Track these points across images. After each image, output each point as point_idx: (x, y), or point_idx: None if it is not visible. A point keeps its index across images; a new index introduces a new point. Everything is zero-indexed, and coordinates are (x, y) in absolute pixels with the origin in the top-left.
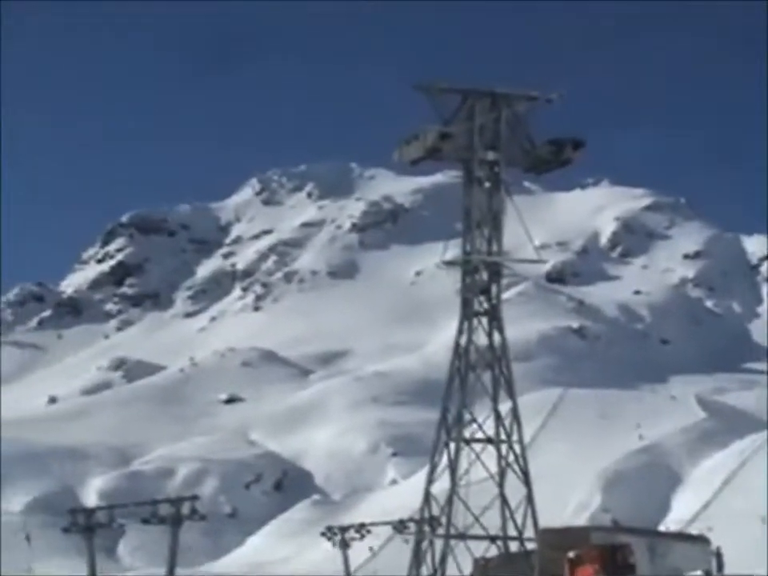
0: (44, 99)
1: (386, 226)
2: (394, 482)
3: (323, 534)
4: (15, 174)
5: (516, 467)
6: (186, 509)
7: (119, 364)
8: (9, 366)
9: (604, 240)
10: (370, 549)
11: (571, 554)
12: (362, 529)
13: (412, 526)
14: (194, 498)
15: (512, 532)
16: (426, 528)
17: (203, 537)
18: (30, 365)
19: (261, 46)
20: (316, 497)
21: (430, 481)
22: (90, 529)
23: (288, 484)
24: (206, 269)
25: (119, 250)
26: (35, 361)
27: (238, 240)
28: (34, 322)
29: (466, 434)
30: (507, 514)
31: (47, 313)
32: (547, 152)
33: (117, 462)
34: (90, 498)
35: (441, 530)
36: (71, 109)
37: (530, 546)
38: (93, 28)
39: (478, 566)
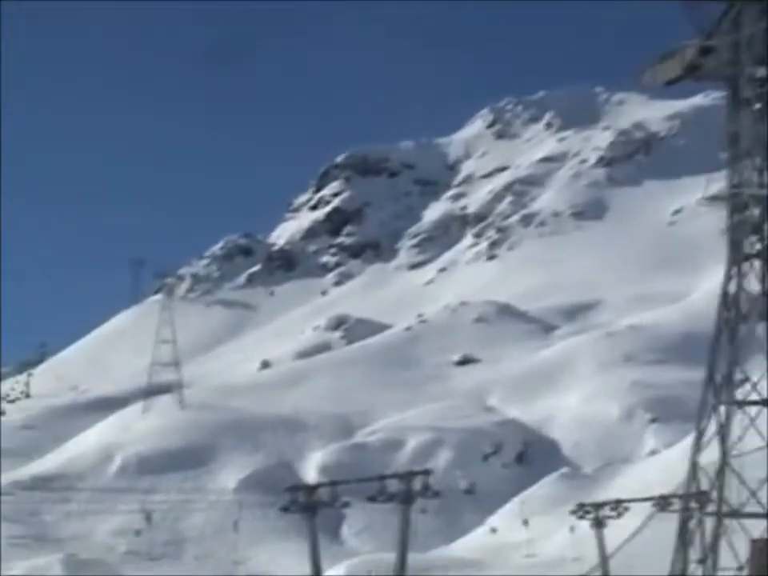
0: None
1: (638, 158)
2: (653, 452)
3: (573, 513)
4: (220, 118)
5: None
6: (417, 484)
7: (338, 323)
8: (216, 327)
9: None
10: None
11: None
12: (618, 506)
13: (676, 503)
14: (427, 472)
15: None
16: (693, 505)
17: (436, 516)
18: (238, 326)
19: None
20: (564, 470)
21: (697, 450)
22: (311, 508)
23: (531, 455)
24: (432, 213)
25: (335, 195)
26: (245, 321)
27: (468, 179)
28: (242, 278)
29: (738, 395)
30: None
31: (257, 268)
32: None
33: (338, 433)
34: (310, 473)
35: (710, 507)
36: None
37: None
38: None
39: (756, 548)
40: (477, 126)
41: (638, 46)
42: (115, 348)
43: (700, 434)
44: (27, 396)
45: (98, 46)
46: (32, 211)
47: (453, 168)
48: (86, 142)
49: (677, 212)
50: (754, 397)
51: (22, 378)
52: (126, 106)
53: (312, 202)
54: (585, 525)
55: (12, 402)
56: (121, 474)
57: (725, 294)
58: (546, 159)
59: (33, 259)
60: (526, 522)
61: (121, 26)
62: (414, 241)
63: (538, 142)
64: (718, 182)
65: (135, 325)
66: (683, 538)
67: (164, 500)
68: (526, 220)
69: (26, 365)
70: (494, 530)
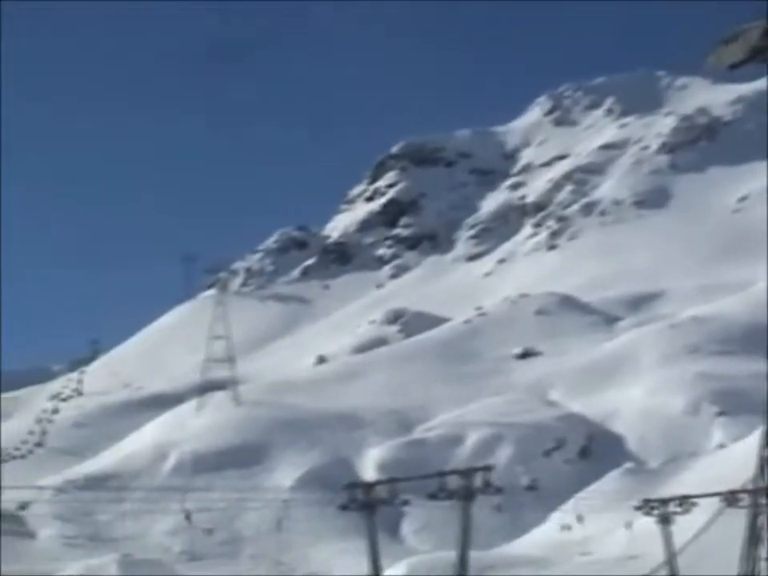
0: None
1: (702, 144)
2: (721, 446)
3: (639, 508)
4: (274, 110)
5: None
6: (477, 481)
7: (395, 317)
8: (271, 322)
9: None
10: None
11: None
12: (685, 502)
13: (745, 498)
14: (487, 468)
15: None
16: (763, 500)
17: (498, 513)
18: (293, 320)
19: None
20: (628, 465)
21: (766, 444)
22: (369, 506)
23: (595, 450)
24: (490, 203)
25: (390, 186)
26: (299, 316)
27: (526, 168)
28: (296, 271)
29: None
30: None
31: (311, 261)
32: None
33: (396, 429)
34: (368, 470)
35: None
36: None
37: None
38: None
39: None
40: (535, 113)
41: (700, 28)
42: (168, 344)
43: None
44: (80, 394)
45: (150, 40)
46: (83, 209)
47: (511, 157)
48: (138, 139)
49: (742, 199)
50: None
51: (75, 375)
52: (176, 100)
53: (367, 194)
54: (643, 521)
55: (65, 400)
56: (175, 472)
57: None
58: (607, 146)
59: (84, 256)
60: (580, 519)
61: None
62: (472, 232)
63: (598, 129)
64: None
65: (188, 321)
66: (752, 535)
67: (219, 498)
68: (587, 209)
69: (79, 362)
70: (565, 527)
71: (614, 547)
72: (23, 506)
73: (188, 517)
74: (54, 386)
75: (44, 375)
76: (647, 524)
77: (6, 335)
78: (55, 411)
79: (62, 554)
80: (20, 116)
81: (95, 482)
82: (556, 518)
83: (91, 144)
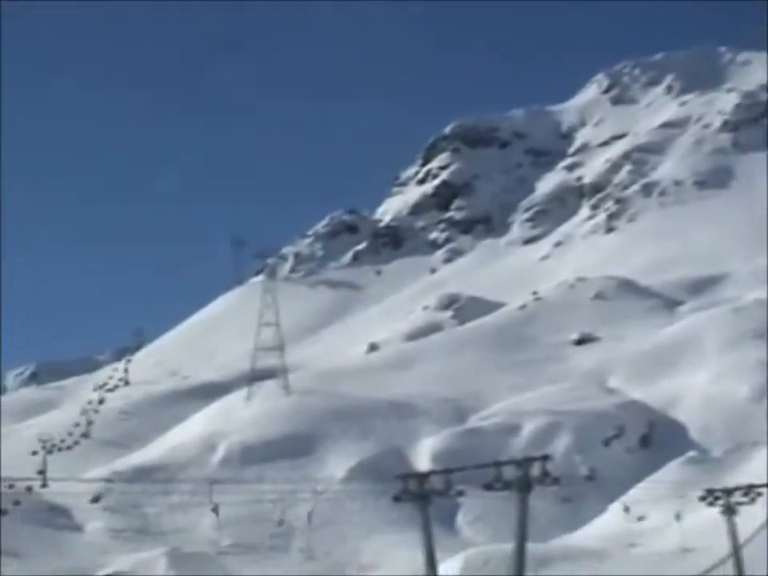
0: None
1: (765, 122)
2: None
3: (703, 499)
4: (323, 92)
5: None
6: (535, 471)
7: (449, 302)
8: (321, 308)
9: None
10: None
11: None
12: (750, 491)
13: None
14: (545, 458)
15: None
16: None
17: (556, 504)
18: (344, 307)
19: None
20: (691, 453)
21: None
22: (423, 497)
23: (656, 439)
24: (546, 185)
25: (443, 168)
26: (351, 302)
27: (583, 148)
28: (347, 256)
29: None
30: None
31: (362, 246)
32: None
33: (450, 417)
34: (422, 460)
35: None
36: None
37: None
38: None
39: None
40: (592, 91)
41: (762, 2)
42: (216, 332)
43: None
44: (127, 383)
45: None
46: (130, 195)
47: (567, 137)
48: (187, 123)
49: None
50: None
51: (120, 365)
52: (227, 83)
53: (419, 176)
54: (702, 513)
55: (111, 390)
56: (225, 463)
57: None
58: (667, 125)
59: (130, 243)
60: (627, 509)
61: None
62: (528, 214)
63: (657, 107)
64: None
65: (237, 307)
66: None
67: (270, 490)
68: (646, 190)
69: (124, 351)
70: (626, 509)
71: (676, 539)
72: (96, 497)
73: (215, 510)
74: (100, 375)
75: (89, 365)
76: (707, 515)
77: (51, 325)
78: (101, 402)
79: (110, 548)
80: (76, 101)
81: (142, 474)
82: (616, 508)
83: (139, 129)
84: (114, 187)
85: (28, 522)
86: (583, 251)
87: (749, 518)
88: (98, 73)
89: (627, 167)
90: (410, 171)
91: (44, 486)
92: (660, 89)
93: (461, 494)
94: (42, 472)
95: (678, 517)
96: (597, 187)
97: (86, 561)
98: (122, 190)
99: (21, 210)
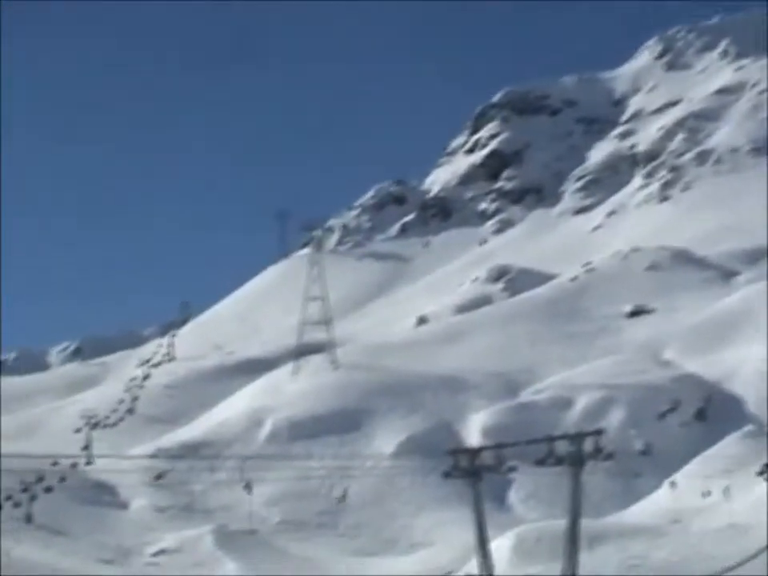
0: None
1: None
2: None
3: (761, 474)
4: (369, 61)
5: None
6: (588, 446)
7: (499, 274)
8: (368, 281)
9: None
10: None
11: None
12: None
13: None
14: (598, 432)
15: None
16: None
17: (610, 480)
18: (392, 280)
19: None
20: (749, 427)
21: None
22: (474, 473)
23: (713, 412)
24: (599, 153)
25: (492, 137)
26: (398, 275)
27: (636, 116)
28: (395, 228)
29: None
30: None
31: (410, 217)
32: None
33: (501, 392)
34: (472, 436)
35: None
36: None
37: None
38: None
39: None
40: (645, 57)
41: None
42: (262, 306)
43: None
44: (172, 359)
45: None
46: (174, 170)
47: (619, 104)
48: (230, 96)
49: None
50: None
51: (165, 340)
52: (279, 59)
53: (468, 145)
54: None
55: (156, 365)
56: (271, 440)
57: None
58: (722, 91)
59: (174, 216)
60: (673, 485)
61: None
62: (579, 184)
63: (712, 73)
64: None
65: (282, 281)
66: None
67: (317, 467)
68: (701, 158)
69: (169, 326)
70: (673, 484)
71: (732, 515)
72: (160, 475)
73: (248, 486)
74: (144, 351)
75: (133, 340)
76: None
77: (95, 300)
78: (146, 377)
79: (156, 525)
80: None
81: (188, 450)
82: (671, 484)
83: (183, 101)
84: (160, 161)
85: (73, 499)
86: (636, 221)
87: None
88: (140, 40)
89: (681, 135)
90: (459, 140)
91: (89, 463)
92: (715, 54)
93: (512, 469)
94: (86, 448)
95: (728, 492)
96: (650, 155)
97: (131, 539)
98: (168, 163)
99: (66, 184)
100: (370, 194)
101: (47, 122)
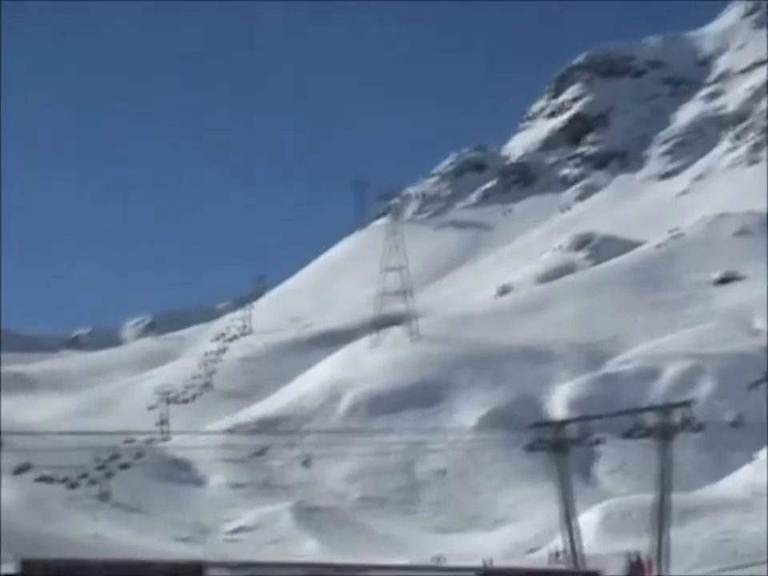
0: None
1: None
2: None
3: None
4: (448, 23)
5: None
6: (676, 418)
7: (583, 241)
8: (448, 250)
9: None
10: None
11: None
12: None
13: None
14: (687, 403)
15: None
16: None
17: (700, 452)
18: (473, 248)
19: None
20: None
21: None
22: (559, 446)
23: None
24: (685, 116)
25: (575, 100)
26: (479, 243)
27: (724, 76)
28: (475, 195)
29: None
30: None
31: (491, 184)
32: None
33: (586, 363)
34: (556, 408)
35: None
36: None
37: None
38: None
39: None
40: (732, 15)
41: None
42: (339, 277)
43: None
44: (249, 332)
45: None
46: (249, 140)
47: (706, 64)
48: (303, 63)
49: None
50: None
51: (240, 313)
52: (359, 24)
53: (549, 109)
54: None
55: (231, 339)
56: (351, 414)
57: None
58: None
59: (249, 187)
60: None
61: None
62: (665, 147)
63: None
64: None
65: (360, 251)
66: None
67: (399, 441)
68: None
69: (244, 300)
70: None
71: None
72: (261, 450)
73: (306, 462)
74: (220, 324)
75: (208, 314)
76: None
77: (168, 274)
78: (222, 351)
79: (234, 501)
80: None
81: (266, 426)
82: (764, 456)
83: (264, 69)
84: (238, 130)
85: (150, 476)
86: (725, 185)
87: None
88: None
89: None
90: (540, 104)
91: (165, 439)
92: None
93: (599, 442)
94: (162, 424)
95: None
96: (739, 117)
97: (209, 516)
98: (244, 134)
99: (141, 160)
100: (449, 160)
101: (138, 100)
